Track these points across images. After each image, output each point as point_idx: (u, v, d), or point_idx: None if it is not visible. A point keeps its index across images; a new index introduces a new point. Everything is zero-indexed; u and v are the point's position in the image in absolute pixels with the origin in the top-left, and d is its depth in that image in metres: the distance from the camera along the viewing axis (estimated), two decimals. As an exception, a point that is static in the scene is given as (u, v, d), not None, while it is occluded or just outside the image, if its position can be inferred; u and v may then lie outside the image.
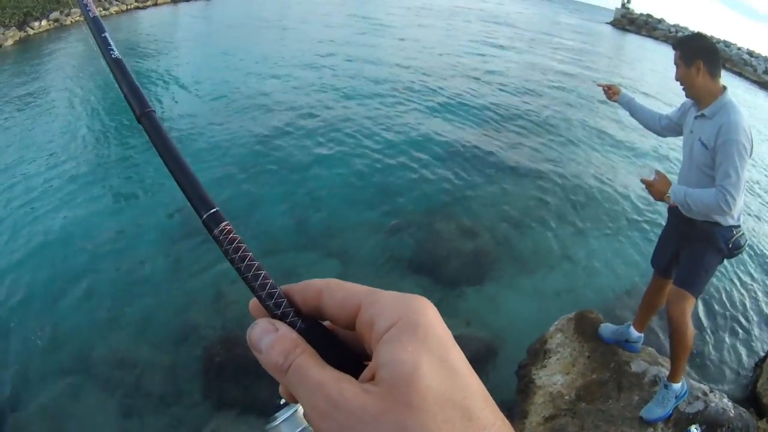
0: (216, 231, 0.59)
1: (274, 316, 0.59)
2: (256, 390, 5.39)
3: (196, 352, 6.01)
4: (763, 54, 46.49)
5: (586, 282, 8.02)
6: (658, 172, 3.88)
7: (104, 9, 25.66)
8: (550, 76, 19.92)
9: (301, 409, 1.05)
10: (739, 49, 48.71)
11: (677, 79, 3.92)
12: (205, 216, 0.59)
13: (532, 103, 15.93)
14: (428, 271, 7.53)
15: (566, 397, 4.65)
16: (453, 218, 8.80)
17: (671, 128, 4.49)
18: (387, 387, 0.48)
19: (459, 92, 15.47)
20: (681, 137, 4.34)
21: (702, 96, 3.83)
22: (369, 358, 0.55)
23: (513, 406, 5.11)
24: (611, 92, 4.78)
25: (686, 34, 4.07)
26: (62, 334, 6.27)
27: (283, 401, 1.05)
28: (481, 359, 6.09)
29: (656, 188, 3.90)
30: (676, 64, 3.89)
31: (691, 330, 4.11)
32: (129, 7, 27.08)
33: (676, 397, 4.38)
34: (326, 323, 0.61)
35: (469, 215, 9.02)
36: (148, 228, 8.11)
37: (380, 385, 0.48)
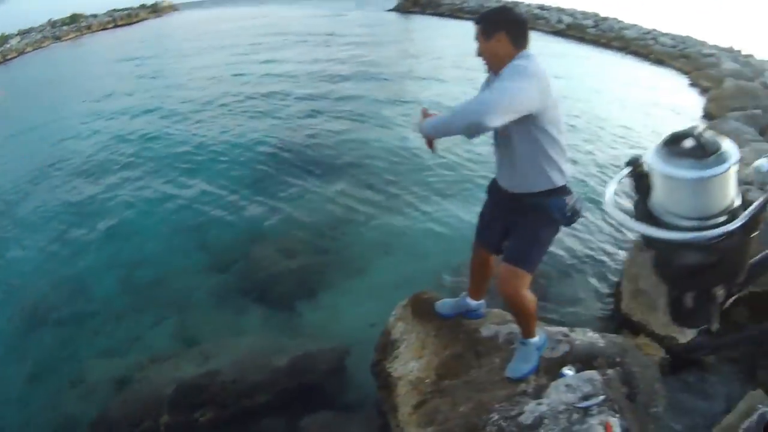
0: None
1: None
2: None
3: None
4: (554, 5, 49.05)
5: (415, 264, 7.91)
6: (423, 110, 3.50)
7: None
8: (336, 76, 20.01)
9: None
10: (529, 5, 51.28)
11: (478, 55, 3.61)
12: None
13: (321, 107, 15.83)
14: (262, 300, 7.19)
15: (427, 380, 4.32)
16: (269, 240, 8.53)
17: None
18: None
19: (249, 116, 15.17)
20: None
21: (503, 66, 3.47)
22: None
23: (380, 404, 4.87)
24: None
25: (490, 7, 3.69)
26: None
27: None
28: (337, 370, 5.83)
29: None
30: (476, 39, 3.57)
31: (529, 299, 3.80)
32: None
33: (537, 348, 4.10)
34: None
35: (283, 233, 8.77)
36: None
37: None
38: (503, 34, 3.43)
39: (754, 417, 3.88)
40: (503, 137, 3.59)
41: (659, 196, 2.23)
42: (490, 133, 3.62)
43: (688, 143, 2.04)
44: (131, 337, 6.63)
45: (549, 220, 3.68)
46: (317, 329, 6.55)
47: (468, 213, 9.17)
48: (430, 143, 3.58)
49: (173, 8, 52.10)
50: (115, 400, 5.70)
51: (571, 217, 3.68)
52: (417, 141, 12.40)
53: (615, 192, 2.54)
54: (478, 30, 3.54)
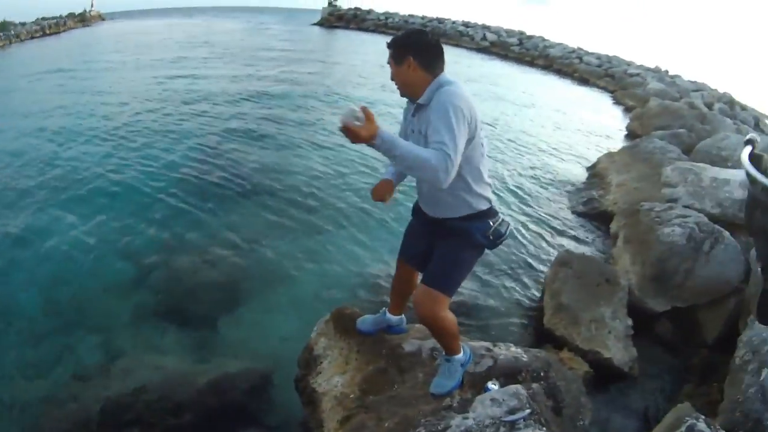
0: None
1: None
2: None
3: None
4: (480, 23, 49.91)
5: (335, 280, 7.90)
6: (364, 109, 3.20)
7: None
8: (258, 92, 20.11)
9: None
10: (454, 23, 52.13)
11: (392, 79, 3.54)
12: None
13: (242, 125, 15.77)
14: (183, 316, 6.93)
15: (352, 396, 4.25)
16: (188, 256, 8.27)
17: None
18: None
19: (170, 133, 14.69)
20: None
21: (417, 91, 3.41)
22: None
23: (306, 420, 4.75)
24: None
25: (412, 28, 3.53)
26: None
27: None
28: (260, 386, 5.67)
29: (358, 133, 3.19)
30: (388, 64, 3.50)
31: (448, 320, 3.74)
32: None
33: (462, 365, 4.06)
34: None
35: (202, 249, 8.53)
36: None
37: None
38: (412, 60, 3.37)
39: (683, 429, 3.94)
40: None
41: None
42: None
43: None
44: (55, 355, 6.33)
45: (471, 244, 3.63)
46: (238, 345, 6.42)
47: (385, 229, 9.33)
48: (357, 138, 3.25)
49: (101, 17, 51.79)
50: (44, 420, 5.46)
51: (494, 241, 3.62)
52: (336, 159, 12.48)
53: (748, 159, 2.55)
54: (389, 55, 3.49)
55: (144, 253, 8.31)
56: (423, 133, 3.35)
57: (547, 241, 9.70)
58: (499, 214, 3.67)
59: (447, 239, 3.66)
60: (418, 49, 3.38)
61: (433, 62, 3.40)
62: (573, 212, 11.36)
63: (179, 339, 6.50)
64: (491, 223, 3.59)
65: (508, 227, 3.70)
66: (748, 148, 2.59)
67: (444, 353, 4.04)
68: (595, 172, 13.71)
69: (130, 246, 8.47)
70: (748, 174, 2.47)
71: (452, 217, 3.60)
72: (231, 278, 7.74)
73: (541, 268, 8.52)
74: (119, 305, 7.08)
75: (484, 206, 3.58)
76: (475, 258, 3.76)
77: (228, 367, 5.78)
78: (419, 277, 4.23)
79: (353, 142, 2.95)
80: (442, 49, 3.45)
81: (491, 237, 3.59)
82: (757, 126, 26.07)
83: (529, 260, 8.76)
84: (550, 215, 10.94)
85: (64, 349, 6.37)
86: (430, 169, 2.97)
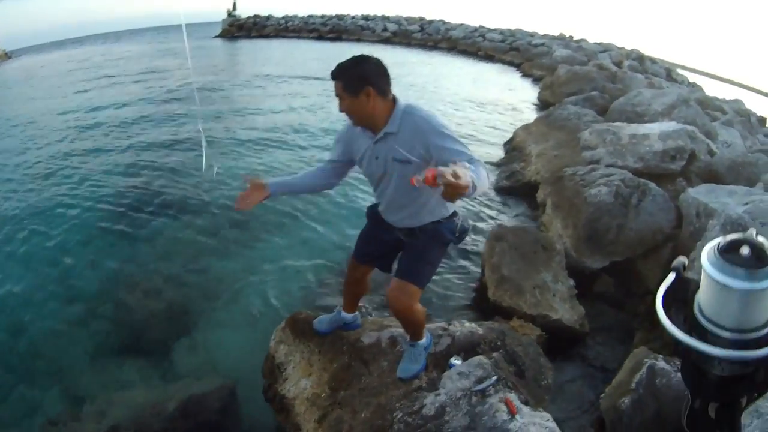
0: None
1: None
2: None
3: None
4: (380, 14, 50.01)
5: (281, 288, 7.88)
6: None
7: None
8: (171, 112, 19.66)
9: None
10: (353, 18, 52.17)
11: (342, 111, 3.43)
12: None
13: (160, 148, 15.37)
14: (140, 347, 6.83)
15: (323, 395, 4.32)
16: (133, 286, 8.05)
17: (343, 170, 3.98)
18: None
19: (89, 169, 13.93)
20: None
21: (378, 120, 3.39)
22: None
23: (282, 426, 4.76)
24: (255, 195, 4.04)
25: (354, 55, 3.38)
26: None
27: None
28: (230, 404, 5.65)
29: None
30: (338, 96, 3.37)
31: (419, 311, 3.86)
32: None
33: (425, 349, 4.21)
34: None
35: (144, 275, 8.36)
36: None
37: None
38: (371, 89, 3.32)
39: (644, 371, 4.15)
40: (400, 191, 3.56)
41: (706, 303, 2.23)
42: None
43: (745, 251, 2.04)
44: (21, 410, 6.15)
45: (441, 242, 3.79)
46: (200, 367, 6.37)
47: (316, 229, 9.43)
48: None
49: (7, 56, 49.99)
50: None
51: (460, 236, 3.83)
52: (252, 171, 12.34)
53: (663, 297, 2.50)
54: (339, 86, 3.37)
55: (86, 295, 8.07)
56: (398, 160, 3.39)
57: (478, 219, 9.89)
58: (459, 213, 3.83)
59: (417, 238, 3.76)
60: (375, 78, 3.36)
61: (387, 86, 3.41)
62: (498, 187, 11.56)
63: (141, 372, 6.41)
64: (457, 222, 3.76)
65: (468, 223, 3.90)
66: (670, 279, 2.58)
67: (408, 339, 4.18)
68: (513, 146, 13.96)
69: (72, 290, 8.20)
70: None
71: (423, 224, 3.71)
72: (177, 304, 7.64)
73: (477, 245, 8.70)
74: (75, 350, 6.92)
75: (450, 210, 3.73)
76: (443, 253, 3.93)
77: (194, 390, 5.73)
78: (371, 276, 4.40)
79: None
80: (388, 71, 3.44)
81: (458, 234, 3.78)
82: (669, 76, 26.69)
83: (464, 240, 8.88)
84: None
85: (28, 402, 6.23)
86: (486, 179, 2.98)
